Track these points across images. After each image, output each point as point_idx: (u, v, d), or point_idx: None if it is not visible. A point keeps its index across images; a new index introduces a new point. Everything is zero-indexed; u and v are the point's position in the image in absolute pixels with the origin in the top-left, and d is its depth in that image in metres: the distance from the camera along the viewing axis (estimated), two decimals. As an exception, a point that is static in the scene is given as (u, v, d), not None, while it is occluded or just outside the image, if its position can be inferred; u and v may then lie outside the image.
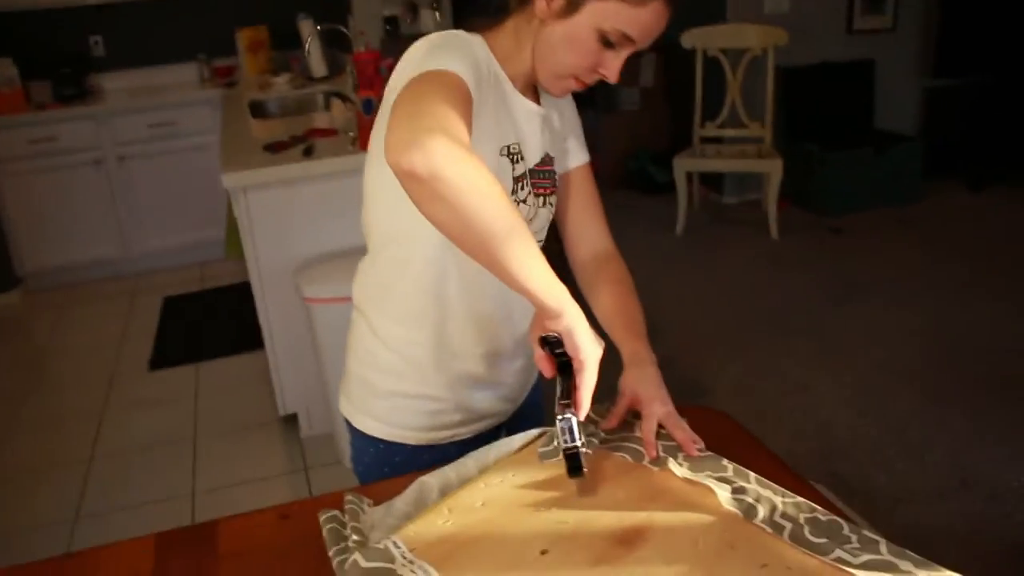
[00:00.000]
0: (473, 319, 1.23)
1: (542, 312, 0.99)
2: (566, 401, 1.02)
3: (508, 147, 1.18)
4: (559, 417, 1.00)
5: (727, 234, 4.74)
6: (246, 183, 2.60)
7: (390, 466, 1.30)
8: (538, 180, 1.25)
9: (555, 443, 1.07)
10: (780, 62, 4.90)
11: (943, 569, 0.84)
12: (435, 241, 1.14)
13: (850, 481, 2.54)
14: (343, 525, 1.03)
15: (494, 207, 0.89)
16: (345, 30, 3.69)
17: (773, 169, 4.50)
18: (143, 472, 2.90)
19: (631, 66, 5.75)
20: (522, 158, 1.20)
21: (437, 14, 4.62)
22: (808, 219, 4.84)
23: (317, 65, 4.45)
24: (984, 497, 2.43)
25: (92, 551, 1.14)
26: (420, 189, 0.88)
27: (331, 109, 3.67)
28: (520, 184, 1.21)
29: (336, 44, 4.53)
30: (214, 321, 4.08)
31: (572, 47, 1.12)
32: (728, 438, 1.23)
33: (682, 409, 1.33)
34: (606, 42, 1.11)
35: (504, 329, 1.26)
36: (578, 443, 0.99)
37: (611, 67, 1.14)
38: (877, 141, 4.94)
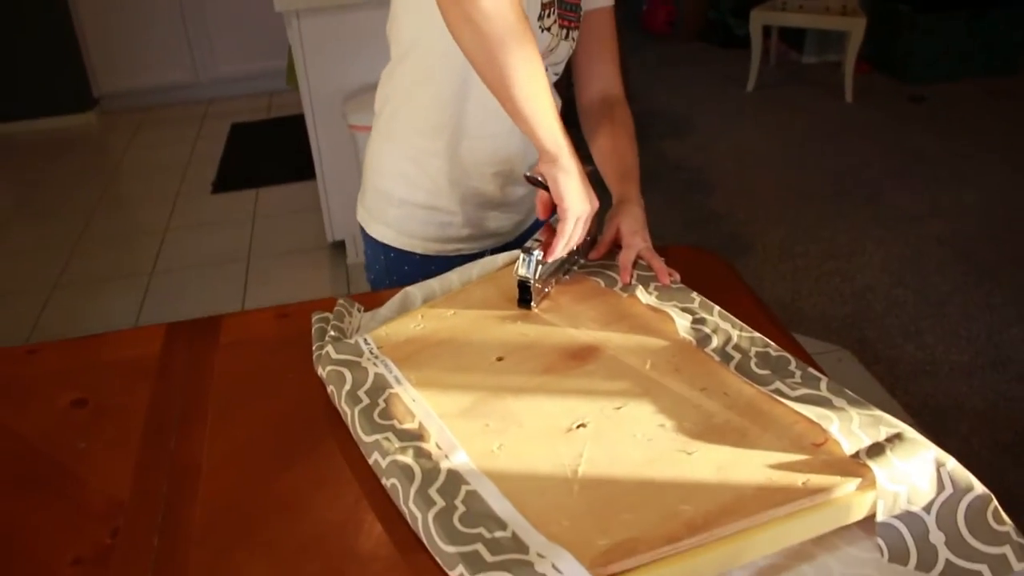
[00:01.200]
0: (488, 137, 1.25)
1: (540, 153, 1.04)
2: (540, 240, 1.06)
3: None
4: (526, 248, 1.04)
5: (799, 94, 4.58)
6: (298, 6, 2.60)
7: (398, 275, 1.35)
8: (564, 11, 1.24)
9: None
10: (878, -88, 4.59)
11: (875, 408, 0.86)
12: (460, 55, 1.15)
13: (876, 347, 2.54)
14: (329, 324, 1.09)
15: (518, 46, 0.94)
16: None
17: (854, 28, 4.28)
18: (197, 288, 3.06)
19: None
20: None
21: None
22: (890, 85, 4.64)
23: None
24: (1012, 377, 2.41)
25: (111, 334, 1.24)
26: (454, 9, 0.93)
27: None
28: (548, 11, 1.20)
29: None
30: (276, 148, 4.17)
31: None
32: (716, 278, 1.25)
33: (677, 248, 1.35)
34: None
35: (516, 152, 1.29)
36: (530, 278, 1.04)
37: None
38: (976, 5, 4.63)
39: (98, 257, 3.33)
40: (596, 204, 1.07)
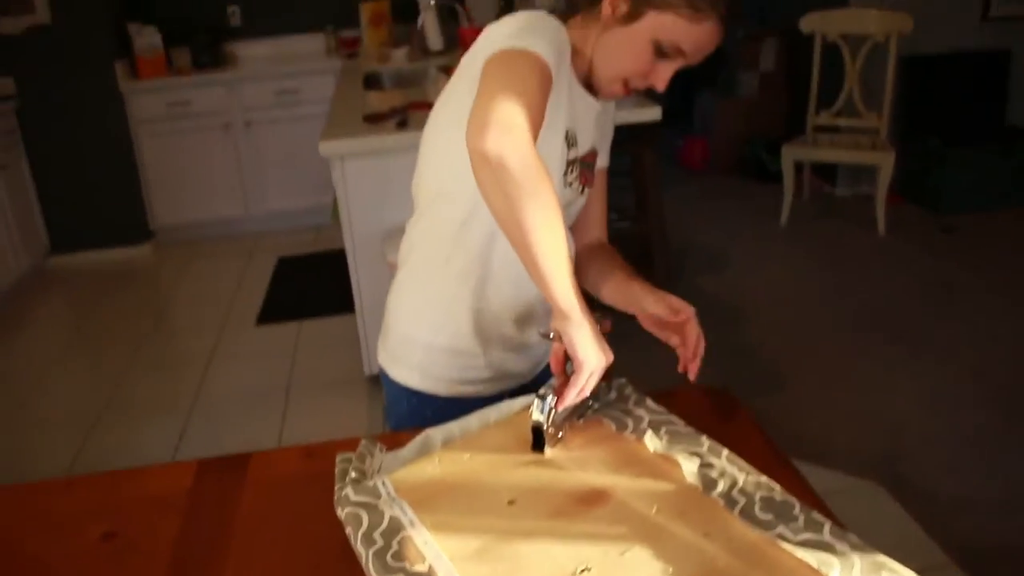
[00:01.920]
0: (512, 283, 1.32)
1: (554, 310, 1.10)
2: (554, 386, 1.12)
3: (567, 130, 1.26)
4: (540, 394, 1.09)
5: (832, 227, 4.64)
6: (342, 151, 2.75)
7: (420, 419, 1.41)
8: (584, 171, 1.34)
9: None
10: (906, 50, 4.74)
11: (878, 553, 0.88)
12: None
13: (913, 484, 2.50)
14: (351, 465, 1.14)
15: (541, 210, 1.00)
16: (458, 5, 3.81)
17: (883, 162, 4.37)
18: (237, 419, 3.13)
19: (751, 50, 5.68)
20: (575, 144, 1.29)
21: (550, -7, 4.68)
22: (921, 217, 4.69)
23: (433, 39, 4.58)
24: (1055, 513, 2.36)
25: (143, 469, 1.30)
26: (485, 171, 1.00)
27: (438, 83, 3.80)
28: (571, 168, 1.30)
29: (455, 18, 4.66)
30: (319, 282, 4.31)
31: (629, 53, 1.21)
32: (730, 419, 1.28)
33: (691, 387, 1.39)
34: (660, 52, 1.19)
35: (537, 297, 1.35)
36: (543, 423, 1.08)
37: (661, 76, 1.22)
38: (1006, 138, 4.71)
39: (143, 386, 3.43)
40: (611, 357, 1.12)
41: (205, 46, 5.06)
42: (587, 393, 1.12)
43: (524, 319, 1.36)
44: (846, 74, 4.60)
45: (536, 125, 1.02)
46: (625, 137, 3.32)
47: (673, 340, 1.27)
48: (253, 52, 5.36)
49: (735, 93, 5.70)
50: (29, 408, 3.34)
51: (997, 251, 4.18)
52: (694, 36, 1.18)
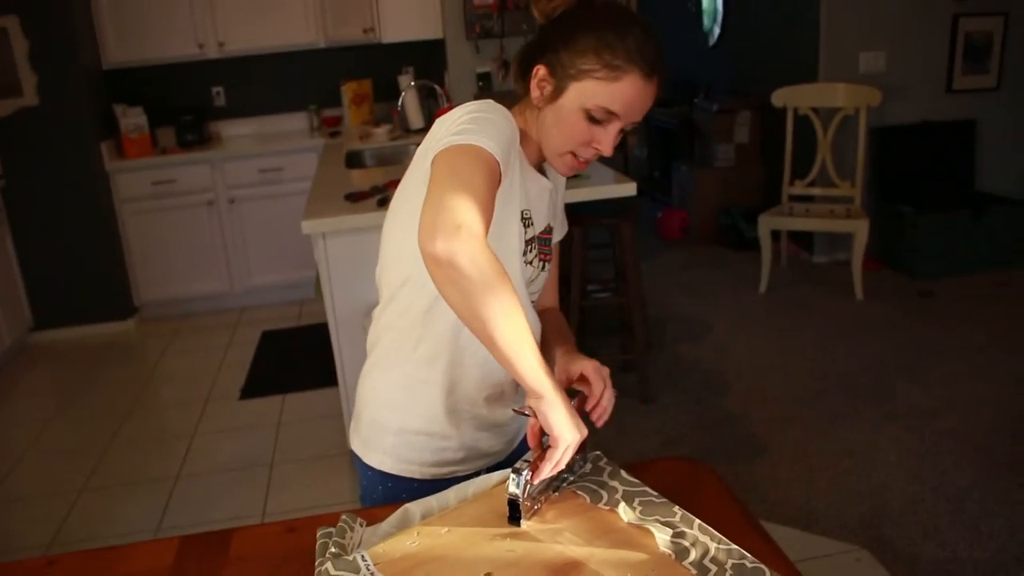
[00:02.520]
0: (480, 364, 1.35)
1: (526, 391, 1.12)
2: (530, 460, 1.14)
3: (523, 212, 1.31)
4: (516, 468, 1.12)
5: (811, 294, 4.71)
6: (324, 229, 2.80)
7: (396, 503, 1.42)
8: (542, 247, 1.39)
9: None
10: (875, 122, 4.89)
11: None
12: None
13: (896, 546, 2.51)
14: (331, 540, 1.16)
15: (498, 301, 1.03)
16: (437, 86, 3.92)
17: (858, 229, 4.47)
18: (221, 493, 3.12)
19: (726, 123, 5.84)
20: (532, 224, 1.34)
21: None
22: (898, 282, 4.78)
23: (413, 117, 4.70)
24: (1037, 575, 2.37)
25: (124, 547, 1.30)
26: (438, 272, 1.04)
27: (419, 160, 3.88)
28: (529, 246, 1.34)
29: (434, 97, 4.78)
30: (303, 356, 4.32)
31: (564, 127, 1.26)
32: (705, 490, 1.31)
33: (665, 460, 1.41)
34: (592, 119, 1.24)
35: (506, 377, 1.38)
36: (520, 497, 1.11)
37: (603, 141, 1.27)
38: (976, 204, 4.83)
39: (127, 461, 3.42)
40: (585, 432, 1.14)
41: (190, 126, 5.15)
42: (562, 467, 1.14)
43: (495, 398, 1.39)
44: (818, 145, 4.74)
45: (486, 218, 1.05)
46: (604, 211, 3.41)
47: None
48: (237, 131, 5.47)
49: (712, 165, 5.83)
50: (9, 484, 3.32)
51: (973, 314, 4.25)
52: (619, 95, 1.21)
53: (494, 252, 1.04)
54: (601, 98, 1.21)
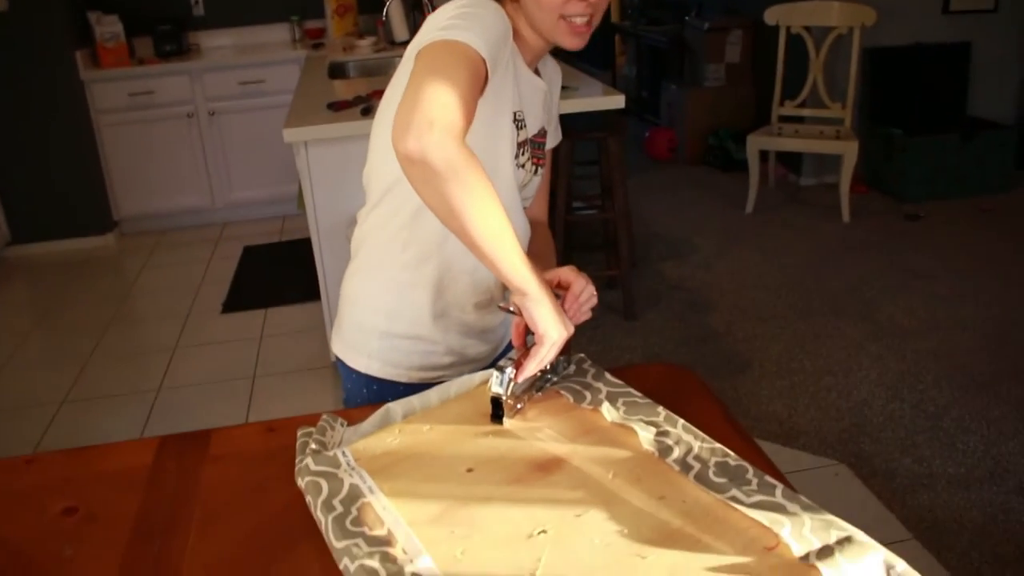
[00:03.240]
0: (470, 271, 1.32)
1: (510, 288, 1.10)
2: (513, 359, 1.12)
3: (515, 113, 1.27)
4: (499, 367, 1.10)
5: (798, 215, 4.70)
6: (306, 138, 2.74)
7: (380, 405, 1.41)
8: (535, 151, 1.35)
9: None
10: (869, 42, 4.81)
11: (827, 513, 0.90)
12: None
13: (873, 462, 2.54)
14: (312, 438, 1.14)
15: (475, 198, 1.00)
16: (422, -5, 3.80)
17: (847, 151, 4.43)
18: (203, 405, 3.11)
19: (717, 42, 5.74)
20: (524, 126, 1.30)
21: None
22: (886, 205, 4.76)
23: (398, 29, 4.58)
24: (1010, 490, 2.41)
25: (105, 445, 1.29)
26: (412, 171, 1.00)
27: (403, 72, 3.79)
28: (522, 149, 1.30)
29: (419, 8, 4.65)
30: (286, 270, 4.29)
31: None
32: (688, 393, 1.30)
33: (650, 364, 1.40)
34: None
35: (496, 282, 1.35)
36: (503, 395, 1.09)
37: None
38: (966, 128, 4.79)
39: (108, 373, 3.40)
40: (571, 330, 1.12)
41: (168, 36, 5.01)
42: (546, 364, 1.13)
43: (483, 305, 1.37)
44: (810, 65, 4.66)
45: (465, 114, 1.01)
46: (590, 126, 3.35)
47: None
48: (217, 42, 5.32)
49: (701, 84, 5.74)
50: (-10, 397, 3.31)
51: (958, 238, 4.26)
52: None
53: (471, 149, 1.00)
54: None
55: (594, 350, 3.26)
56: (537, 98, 1.33)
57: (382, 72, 4.24)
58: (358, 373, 1.41)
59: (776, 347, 3.26)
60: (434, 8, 3.68)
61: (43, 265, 4.67)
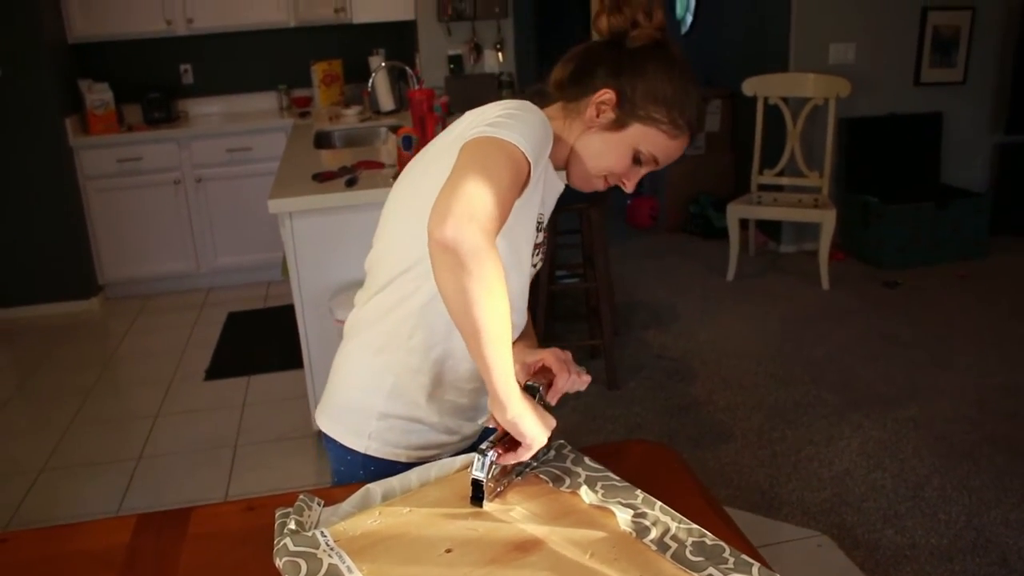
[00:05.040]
0: (469, 359, 1.33)
1: (491, 398, 1.12)
2: (494, 442, 1.14)
3: (539, 215, 1.30)
4: (482, 450, 1.12)
5: (778, 283, 4.75)
6: (289, 209, 2.78)
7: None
8: (540, 245, 1.38)
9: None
10: (844, 113, 4.93)
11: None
12: None
13: (856, 533, 2.54)
14: (290, 519, 1.15)
15: (491, 300, 1.03)
16: (408, 68, 3.89)
17: (825, 219, 4.51)
18: (183, 474, 3.09)
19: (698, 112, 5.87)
20: (542, 227, 1.33)
21: (500, 55, 4.79)
22: (864, 272, 4.82)
23: (384, 99, 4.67)
24: (993, 561, 2.41)
25: (80, 524, 1.28)
26: (442, 258, 1.02)
27: (388, 143, 3.85)
28: (537, 250, 1.34)
29: (404, 80, 4.75)
30: (269, 338, 4.29)
31: (613, 156, 1.27)
32: (666, 470, 1.31)
33: (629, 442, 1.42)
34: (637, 160, 1.27)
35: None
36: (483, 479, 1.11)
37: (633, 179, 1.31)
38: (941, 196, 4.89)
39: (89, 441, 3.37)
40: (553, 423, 1.15)
41: (157, 103, 5.08)
42: (527, 458, 1.15)
43: (479, 390, 1.37)
44: (788, 135, 4.77)
45: (501, 215, 1.03)
46: (572, 198, 3.40)
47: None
48: (205, 109, 5.40)
49: (682, 153, 5.84)
50: (-33, 466, 3.27)
51: (936, 305, 4.31)
52: (670, 150, 1.27)
53: (498, 251, 1.03)
54: (657, 148, 1.25)
55: (576, 419, 3.26)
56: (554, 198, 1.36)
57: (367, 142, 4.31)
58: (355, 453, 1.39)
59: (757, 416, 3.28)
60: (420, 81, 3.77)
61: (26, 329, 4.66)
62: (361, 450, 1.39)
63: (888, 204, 4.80)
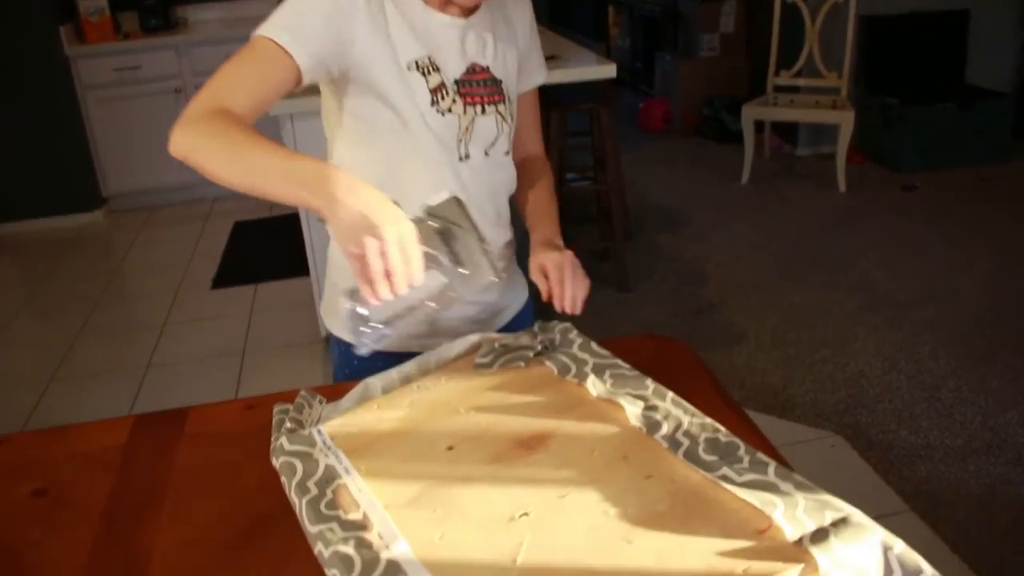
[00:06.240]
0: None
1: (321, 211, 0.96)
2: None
3: (416, 61, 1.20)
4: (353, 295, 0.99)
5: (793, 186, 4.65)
6: (290, 111, 2.69)
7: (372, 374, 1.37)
8: (470, 89, 1.26)
9: (491, 356, 1.13)
10: (865, 10, 4.73)
11: (823, 492, 0.86)
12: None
13: (870, 433, 2.52)
14: (288, 416, 1.11)
15: (230, 159, 1.03)
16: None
17: (843, 121, 4.38)
18: (191, 383, 3.08)
19: (711, 12, 5.66)
20: (435, 69, 1.22)
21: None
22: (882, 175, 4.71)
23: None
24: (1008, 461, 2.38)
25: (76, 425, 1.25)
26: (191, 165, 1.05)
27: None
28: (439, 95, 1.22)
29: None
30: (276, 245, 4.24)
31: None
32: (679, 366, 1.26)
33: (641, 336, 1.36)
34: None
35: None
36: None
37: None
38: (964, 97, 4.73)
39: (96, 352, 3.36)
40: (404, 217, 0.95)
41: (153, 10, 4.92)
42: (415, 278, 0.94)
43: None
44: (806, 34, 4.59)
45: (218, 98, 1.07)
46: (583, 96, 3.29)
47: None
48: (204, 16, 5.23)
49: (696, 55, 5.67)
50: (-25, 376, 3.27)
51: (955, 208, 4.21)
52: None
53: (218, 117, 1.04)
54: None
55: (586, 322, 3.21)
56: (451, 35, 1.24)
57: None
58: (338, 339, 1.37)
59: (771, 319, 3.23)
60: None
61: (31, 243, 4.62)
62: (336, 332, 1.38)
63: (909, 105, 4.65)
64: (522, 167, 1.41)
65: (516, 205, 1.41)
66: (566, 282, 1.22)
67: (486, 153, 1.29)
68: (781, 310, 3.29)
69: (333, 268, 1.37)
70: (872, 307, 3.27)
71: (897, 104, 4.67)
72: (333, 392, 1.17)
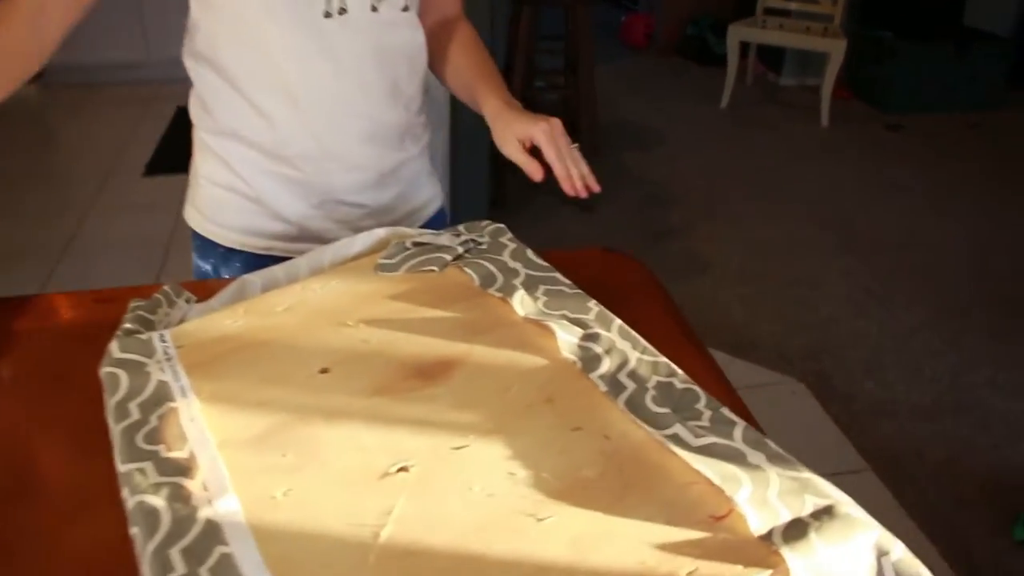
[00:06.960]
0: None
1: None
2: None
3: None
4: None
5: (773, 115, 4.41)
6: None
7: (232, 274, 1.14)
8: None
9: (398, 257, 0.90)
10: (866, -67, 4.44)
11: (804, 469, 0.64)
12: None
13: (834, 382, 2.34)
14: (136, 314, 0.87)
15: None
16: None
17: (834, 49, 4.12)
18: (109, 272, 2.83)
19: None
20: None
21: None
22: (868, 113, 4.49)
23: None
24: (974, 423, 2.22)
25: None
26: None
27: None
28: None
29: None
30: (219, 135, 3.94)
31: None
32: (632, 288, 1.04)
33: (587, 250, 1.14)
34: None
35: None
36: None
37: None
38: (961, 37, 4.48)
39: (13, 230, 3.09)
40: None
41: None
42: None
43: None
44: (803, -47, 4.30)
45: None
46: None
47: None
48: None
49: (685, -33, 5.35)
50: None
51: (940, 153, 4.01)
52: None
53: None
54: None
55: (541, 238, 2.99)
56: None
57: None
58: (193, 233, 1.17)
59: (740, 250, 3.02)
60: None
61: (-46, 110, 4.26)
62: (188, 221, 1.18)
63: (903, 41, 4.40)
64: (443, 32, 1.13)
65: (442, 76, 1.14)
66: (567, 157, 0.95)
67: (374, 8, 0.99)
68: (750, 242, 3.09)
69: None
70: (846, 248, 3.08)
71: (890, 38, 4.42)
72: (211, 289, 0.94)
